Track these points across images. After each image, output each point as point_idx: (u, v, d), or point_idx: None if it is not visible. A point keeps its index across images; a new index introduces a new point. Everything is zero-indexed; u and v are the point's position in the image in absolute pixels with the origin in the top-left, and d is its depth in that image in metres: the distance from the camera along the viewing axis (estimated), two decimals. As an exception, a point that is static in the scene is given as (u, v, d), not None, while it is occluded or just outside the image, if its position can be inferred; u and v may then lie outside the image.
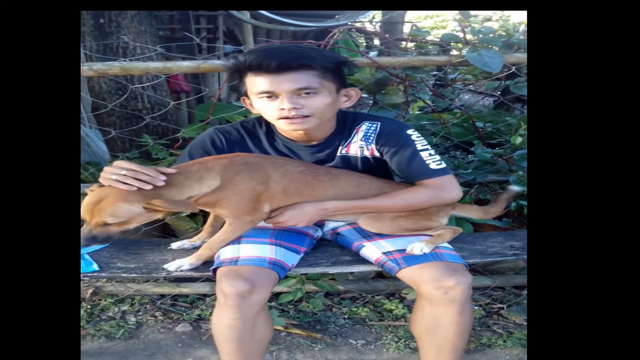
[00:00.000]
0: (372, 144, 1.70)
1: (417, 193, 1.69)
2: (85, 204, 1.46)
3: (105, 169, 1.50)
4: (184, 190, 1.52)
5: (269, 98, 1.57)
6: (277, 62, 1.51)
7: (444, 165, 1.69)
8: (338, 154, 1.74)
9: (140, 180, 1.44)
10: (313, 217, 1.68)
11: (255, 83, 1.57)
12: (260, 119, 1.78)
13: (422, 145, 1.68)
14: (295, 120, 1.57)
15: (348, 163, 1.75)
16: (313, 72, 1.54)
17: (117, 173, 1.45)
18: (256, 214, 1.63)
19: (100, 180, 1.50)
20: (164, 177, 1.47)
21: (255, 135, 1.76)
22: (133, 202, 1.43)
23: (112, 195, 1.44)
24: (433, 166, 1.66)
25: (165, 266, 1.68)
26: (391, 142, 1.68)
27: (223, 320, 1.52)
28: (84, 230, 1.45)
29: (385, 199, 1.69)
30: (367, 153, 1.72)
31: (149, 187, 1.44)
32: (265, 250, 1.61)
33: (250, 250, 1.61)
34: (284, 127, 1.63)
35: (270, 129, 1.76)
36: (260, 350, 1.60)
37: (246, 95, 1.67)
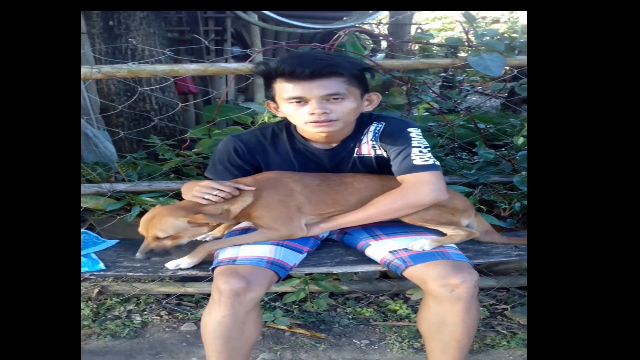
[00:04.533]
0: (378, 142, 1.73)
1: (384, 197, 1.68)
2: (142, 220, 1.64)
3: (197, 188, 1.67)
4: (222, 205, 1.66)
5: (298, 103, 1.62)
6: (309, 69, 1.56)
7: (431, 162, 1.65)
8: (354, 155, 1.77)
9: (221, 195, 1.65)
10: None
11: (286, 89, 1.61)
12: (280, 124, 1.82)
13: (417, 143, 1.68)
14: (322, 124, 1.62)
15: (365, 164, 1.78)
16: (342, 79, 1.59)
17: (210, 193, 1.64)
18: (290, 226, 1.68)
19: (190, 197, 1.68)
20: (239, 186, 1.67)
21: (275, 141, 1.80)
22: (178, 217, 1.59)
23: (163, 212, 1.61)
24: (417, 162, 1.64)
25: (166, 264, 1.71)
26: (391, 139, 1.71)
27: (213, 317, 1.53)
28: (143, 244, 1.61)
29: (360, 212, 1.70)
30: (379, 152, 1.75)
31: (230, 196, 1.66)
32: (265, 250, 1.63)
33: (249, 250, 1.63)
34: (310, 131, 1.67)
35: (290, 133, 1.79)
36: (246, 349, 1.60)
37: (272, 99, 1.71)
